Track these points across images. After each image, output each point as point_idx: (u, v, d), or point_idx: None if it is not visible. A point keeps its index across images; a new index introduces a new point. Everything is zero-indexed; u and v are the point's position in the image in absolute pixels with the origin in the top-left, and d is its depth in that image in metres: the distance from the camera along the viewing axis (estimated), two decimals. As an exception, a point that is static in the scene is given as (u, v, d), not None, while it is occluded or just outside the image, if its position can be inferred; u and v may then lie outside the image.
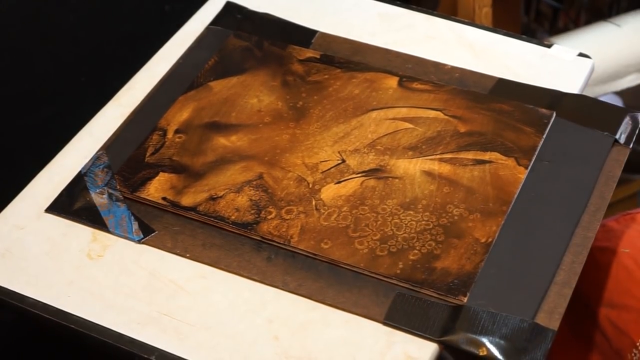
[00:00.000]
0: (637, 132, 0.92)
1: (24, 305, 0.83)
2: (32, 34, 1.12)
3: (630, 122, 0.92)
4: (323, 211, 0.87)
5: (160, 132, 0.95)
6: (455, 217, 0.85)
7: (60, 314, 0.82)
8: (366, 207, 0.87)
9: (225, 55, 1.02)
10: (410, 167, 0.89)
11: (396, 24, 1.06)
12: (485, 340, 0.77)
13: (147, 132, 0.95)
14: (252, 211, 0.87)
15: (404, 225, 0.85)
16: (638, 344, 0.91)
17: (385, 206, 0.86)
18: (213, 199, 0.88)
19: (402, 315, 0.79)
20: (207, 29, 1.06)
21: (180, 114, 0.96)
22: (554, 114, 0.93)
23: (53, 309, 0.82)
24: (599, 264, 0.95)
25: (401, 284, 0.81)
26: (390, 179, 0.89)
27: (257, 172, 0.90)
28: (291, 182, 0.89)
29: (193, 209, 0.88)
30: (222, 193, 0.89)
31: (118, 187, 0.91)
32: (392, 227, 0.85)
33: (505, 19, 1.51)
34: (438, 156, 0.90)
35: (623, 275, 0.94)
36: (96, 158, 0.94)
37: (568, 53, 1.00)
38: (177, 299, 0.82)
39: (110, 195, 0.90)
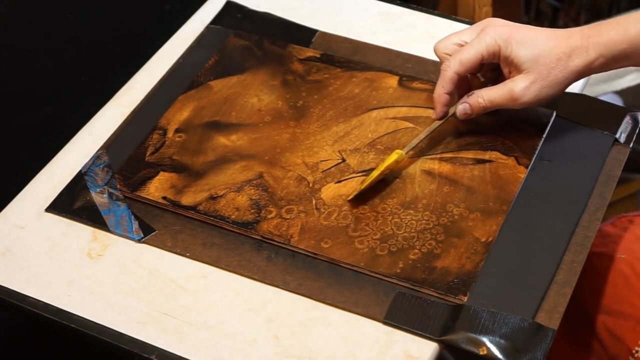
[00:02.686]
0: (637, 131, 0.92)
1: (24, 305, 0.83)
2: (32, 33, 1.12)
3: (630, 122, 0.92)
4: (323, 210, 0.87)
5: (161, 132, 0.95)
6: (456, 217, 0.85)
7: (61, 313, 0.82)
8: (366, 207, 0.87)
9: (225, 55, 1.02)
10: (411, 166, 0.89)
11: (396, 23, 1.06)
12: (485, 339, 0.77)
13: (147, 131, 0.95)
14: (252, 210, 0.87)
15: (404, 224, 0.85)
16: (634, 351, 0.91)
17: (385, 205, 0.86)
18: (213, 198, 0.88)
19: (402, 315, 0.79)
20: (207, 28, 1.06)
21: (180, 113, 0.96)
22: (554, 113, 0.93)
23: (53, 308, 0.82)
24: (595, 269, 0.95)
25: (401, 284, 0.81)
26: (390, 178, 0.89)
27: (257, 171, 0.90)
28: (291, 182, 0.89)
29: (193, 208, 0.88)
30: (222, 192, 0.89)
31: (118, 186, 0.91)
32: (392, 227, 0.85)
33: (505, 18, 1.51)
34: (438, 155, 0.90)
35: (620, 282, 0.94)
36: (96, 157, 0.94)
37: (568, 52, 1.00)
38: (178, 298, 0.82)
39: (110, 195, 0.90)
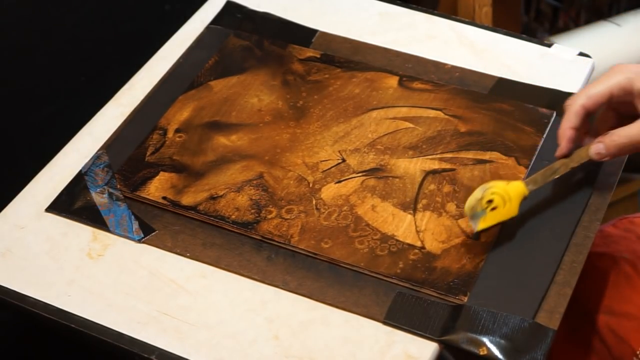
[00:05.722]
0: (637, 131, 0.91)
1: (24, 305, 0.83)
2: (33, 33, 1.12)
3: (630, 122, 0.92)
4: (323, 210, 0.87)
5: (161, 132, 0.95)
6: (456, 217, 0.85)
7: (61, 313, 0.82)
8: (366, 207, 0.86)
9: (226, 55, 1.02)
10: (411, 166, 0.89)
11: (396, 23, 1.06)
12: (485, 339, 0.77)
13: (148, 131, 0.95)
14: (253, 210, 0.87)
15: (404, 224, 0.85)
16: (638, 352, 0.91)
17: (385, 205, 0.86)
18: (213, 198, 0.88)
19: (402, 315, 0.79)
20: (207, 28, 1.06)
21: (180, 114, 0.96)
22: (554, 114, 0.93)
23: (53, 308, 0.82)
24: (597, 270, 0.95)
25: (401, 284, 0.81)
26: (390, 178, 0.89)
27: (258, 171, 0.90)
28: (291, 182, 0.89)
29: (193, 208, 0.88)
30: (222, 192, 0.89)
31: (118, 186, 0.91)
32: (393, 227, 0.85)
33: (506, 18, 1.51)
34: (438, 156, 0.90)
35: (622, 282, 0.94)
36: (96, 157, 0.94)
37: (568, 52, 1.00)
38: (178, 298, 0.82)
39: (110, 195, 0.90)
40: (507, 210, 0.82)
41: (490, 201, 0.81)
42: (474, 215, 0.81)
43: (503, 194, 0.82)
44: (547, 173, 0.84)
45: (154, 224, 0.88)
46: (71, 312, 0.82)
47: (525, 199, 0.83)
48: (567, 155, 0.84)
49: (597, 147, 0.82)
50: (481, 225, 0.81)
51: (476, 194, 0.82)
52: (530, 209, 0.85)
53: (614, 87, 0.80)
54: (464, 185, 0.87)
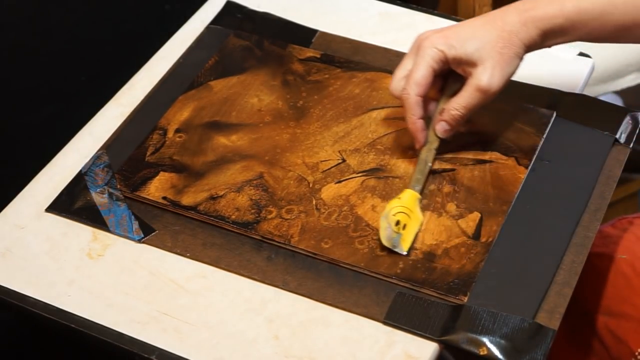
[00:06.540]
0: (637, 131, 0.92)
1: (24, 305, 0.83)
2: (33, 33, 1.12)
3: (630, 122, 0.92)
4: (323, 211, 0.87)
5: (161, 132, 0.95)
6: (456, 217, 0.85)
7: (61, 313, 0.82)
8: (366, 207, 0.86)
9: (226, 55, 1.02)
10: (411, 166, 0.89)
11: (396, 23, 1.06)
12: (485, 339, 0.77)
13: (148, 131, 0.95)
14: (253, 210, 0.87)
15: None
16: (637, 353, 0.91)
17: (386, 205, 0.86)
18: (213, 198, 0.88)
19: (402, 315, 0.79)
20: (207, 28, 1.06)
21: (180, 114, 0.96)
22: (554, 114, 0.93)
23: (53, 308, 0.82)
24: (596, 270, 0.95)
25: (401, 284, 0.81)
26: (390, 178, 0.89)
27: (258, 171, 0.90)
28: (291, 182, 0.89)
29: (193, 208, 0.88)
30: (222, 192, 0.89)
31: (118, 186, 0.91)
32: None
33: (505, 19, 1.51)
34: (438, 155, 0.90)
35: (621, 282, 0.94)
36: (96, 157, 0.94)
37: (568, 52, 1.00)
38: (178, 298, 0.82)
39: (110, 195, 0.90)
40: (414, 220, 0.84)
41: (397, 222, 0.83)
42: (394, 243, 0.82)
43: (404, 210, 0.84)
44: (421, 167, 0.87)
45: (154, 224, 0.88)
46: (71, 312, 0.82)
47: (421, 200, 0.85)
48: (425, 143, 0.88)
49: (442, 126, 0.87)
50: (405, 246, 0.82)
51: (383, 225, 0.83)
52: (531, 208, 0.85)
53: (432, 64, 0.85)
54: (464, 185, 0.87)
